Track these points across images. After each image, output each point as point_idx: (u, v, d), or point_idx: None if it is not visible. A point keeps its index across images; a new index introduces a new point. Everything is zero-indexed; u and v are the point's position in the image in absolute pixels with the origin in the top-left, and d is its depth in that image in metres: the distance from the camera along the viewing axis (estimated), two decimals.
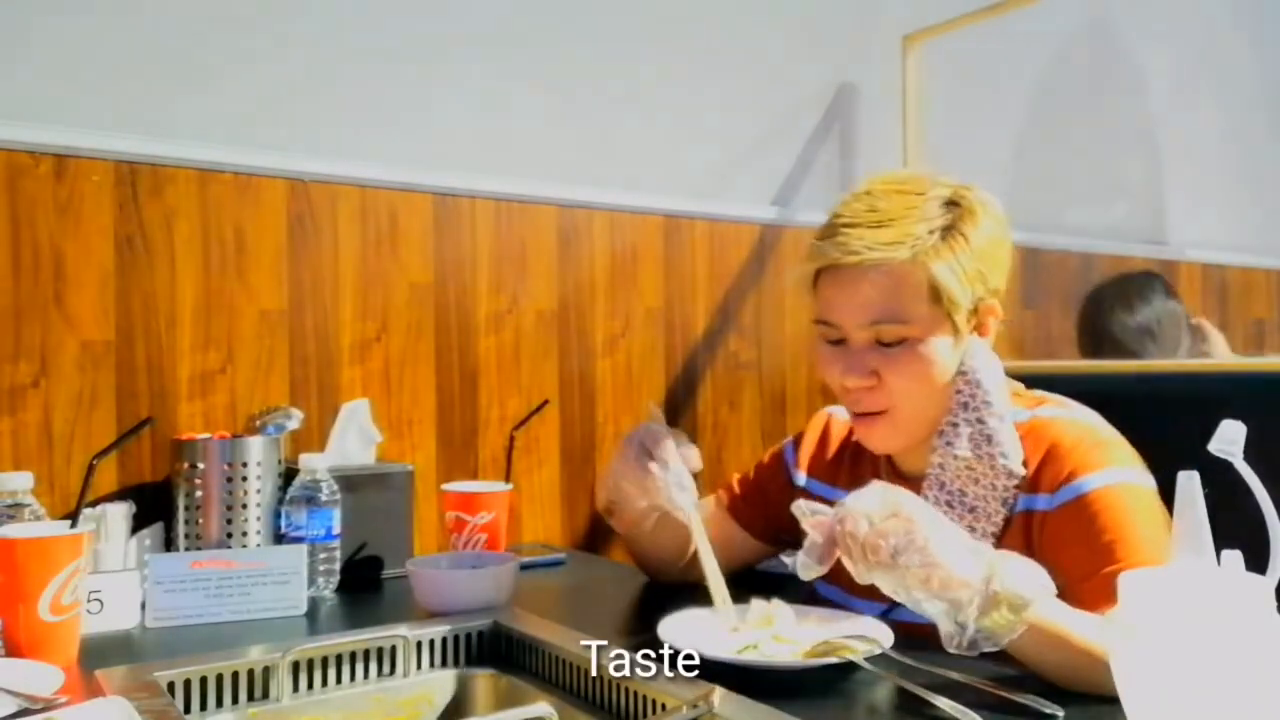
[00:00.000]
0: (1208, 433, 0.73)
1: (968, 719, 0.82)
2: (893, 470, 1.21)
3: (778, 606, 1.08)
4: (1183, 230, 2.76)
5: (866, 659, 0.96)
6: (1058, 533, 1.04)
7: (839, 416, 1.34)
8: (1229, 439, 0.84)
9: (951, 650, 0.89)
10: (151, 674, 0.96)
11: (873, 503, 0.92)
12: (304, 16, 1.56)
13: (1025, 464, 1.08)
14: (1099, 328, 2.15)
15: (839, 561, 0.94)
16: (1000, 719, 0.83)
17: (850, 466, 1.28)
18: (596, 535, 1.82)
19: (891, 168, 2.13)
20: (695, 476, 1.14)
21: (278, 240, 1.53)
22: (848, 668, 0.96)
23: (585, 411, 1.82)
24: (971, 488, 1.09)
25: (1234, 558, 0.66)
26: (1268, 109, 3.03)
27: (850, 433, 1.29)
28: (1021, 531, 1.07)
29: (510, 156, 1.74)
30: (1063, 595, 0.93)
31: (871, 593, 0.99)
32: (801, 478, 1.32)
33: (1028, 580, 0.89)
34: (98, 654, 1.06)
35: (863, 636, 1.00)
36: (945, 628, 0.89)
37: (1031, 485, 1.07)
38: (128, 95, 1.43)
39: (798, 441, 1.37)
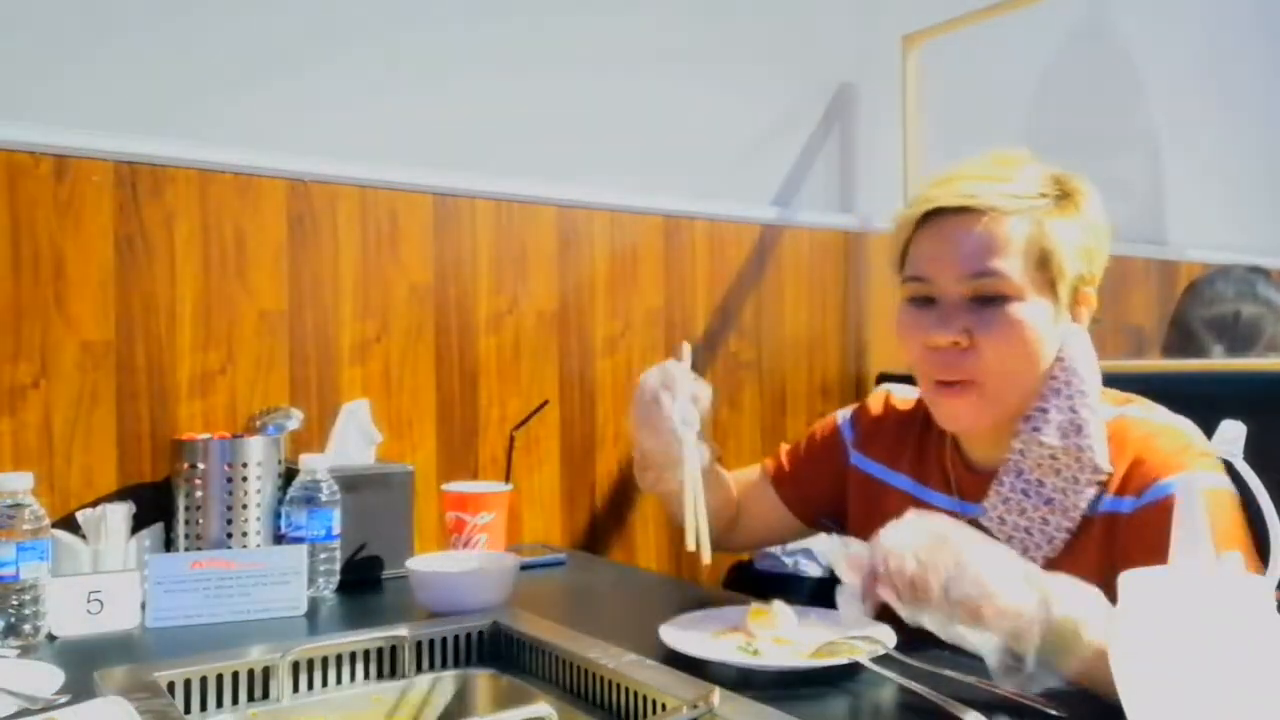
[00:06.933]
0: (1208, 433, 0.73)
1: None
2: (961, 461, 1.15)
3: (778, 608, 1.08)
4: (1183, 230, 2.76)
5: (870, 659, 0.96)
6: (1139, 534, 0.98)
7: (899, 394, 1.27)
8: (1229, 439, 0.84)
9: (1006, 685, 0.84)
10: (151, 674, 0.96)
11: (912, 536, 0.87)
12: (304, 17, 1.56)
13: (1110, 463, 1.02)
14: (1181, 320, 2.09)
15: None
16: None
17: (915, 453, 1.20)
18: (596, 535, 1.82)
19: (891, 167, 2.14)
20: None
21: (278, 240, 1.53)
22: (850, 668, 0.96)
23: (585, 412, 1.82)
24: (1051, 479, 1.03)
25: (1234, 558, 0.66)
26: (1268, 108, 3.03)
27: (911, 415, 1.23)
28: (1102, 535, 1.01)
29: (510, 156, 1.74)
30: None
31: None
32: (856, 456, 1.26)
33: (1081, 604, 0.83)
34: (98, 654, 1.06)
35: (866, 637, 1.00)
36: (998, 661, 0.84)
37: (1117, 488, 1.01)
38: (128, 95, 1.43)
39: (855, 418, 1.30)
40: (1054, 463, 1.03)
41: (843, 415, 1.32)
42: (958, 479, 1.15)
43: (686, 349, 1.17)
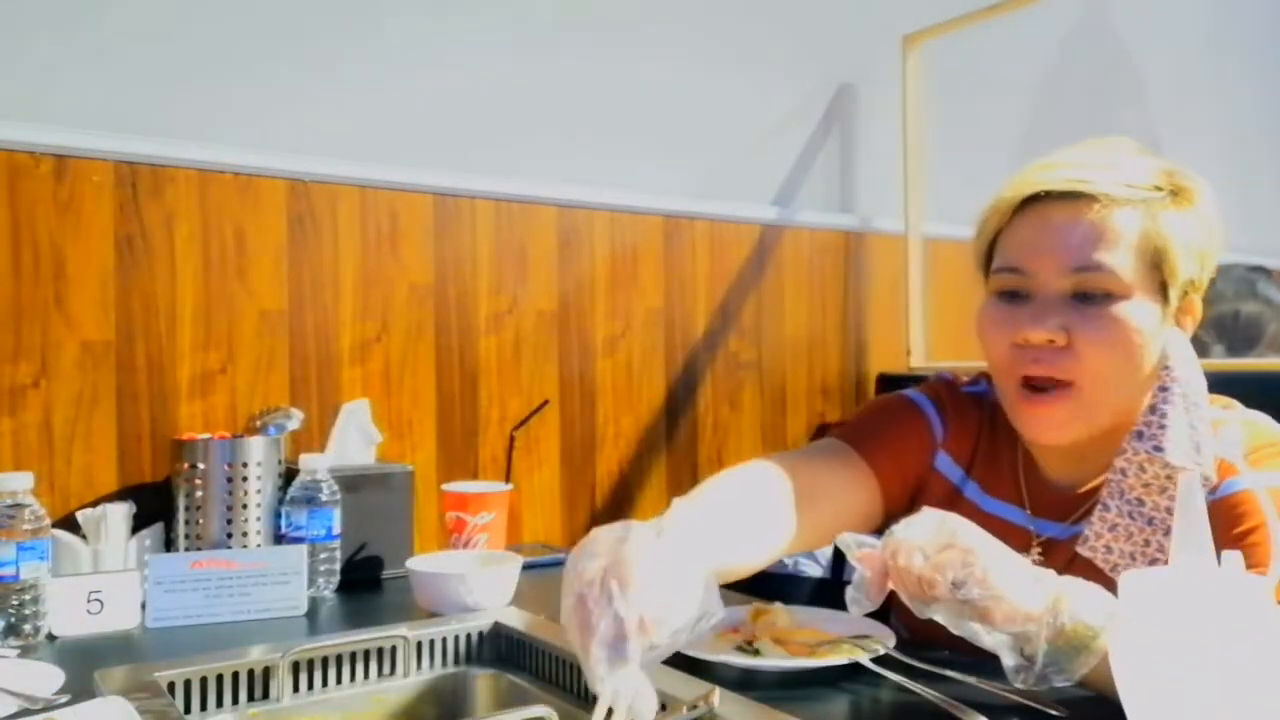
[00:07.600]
0: None
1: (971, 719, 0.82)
2: (1036, 473, 1.05)
3: (778, 608, 1.08)
4: None
5: (870, 659, 0.95)
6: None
7: (968, 389, 1.13)
8: (1228, 439, 0.84)
9: (1019, 685, 0.82)
10: (151, 674, 0.96)
11: (925, 533, 0.83)
12: (305, 17, 1.56)
13: None
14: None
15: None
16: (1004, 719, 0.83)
17: (986, 456, 1.08)
18: None
19: (891, 167, 2.14)
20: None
21: (278, 240, 1.53)
22: (850, 668, 0.96)
23: (585, 412, 1.82)
24: (1154, 497, 0.93)
25: (1234, 558, 0.66)
26: (1267, 109, 3.03)
27: (980, 409, 1.10)
28: None
29: (510, 156, 1.74)
30: None
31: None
32: (941, 457, 1.09)
33: (1095, 608, 0.80)
34: (98, 654, 1.06)
35: (866, 636, 1.00)
36: (1010, 661, 0.81)
37: None
38: (128, 95, 1.43)
39: (938, 407, 1.10)
40: (1167, 482, 0.93)
41: (921, 401, 1.11)
42: (1031, 493, 1.05)
43: (674, 514, 0.80)
